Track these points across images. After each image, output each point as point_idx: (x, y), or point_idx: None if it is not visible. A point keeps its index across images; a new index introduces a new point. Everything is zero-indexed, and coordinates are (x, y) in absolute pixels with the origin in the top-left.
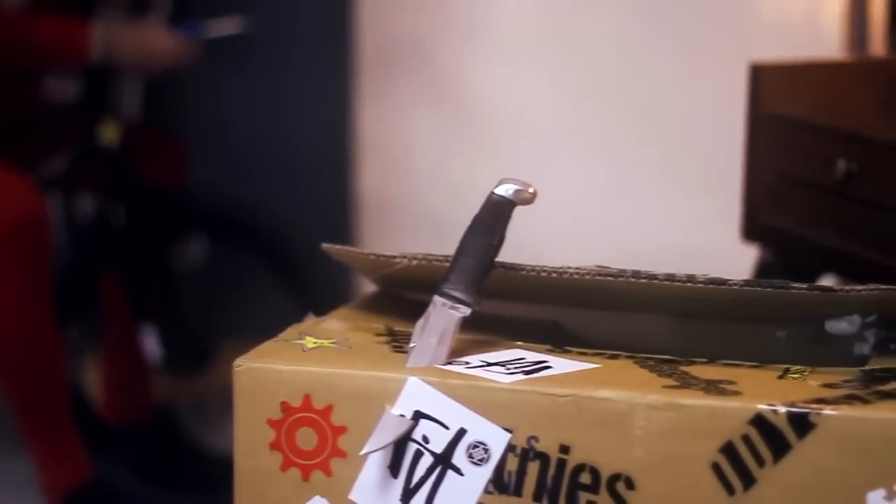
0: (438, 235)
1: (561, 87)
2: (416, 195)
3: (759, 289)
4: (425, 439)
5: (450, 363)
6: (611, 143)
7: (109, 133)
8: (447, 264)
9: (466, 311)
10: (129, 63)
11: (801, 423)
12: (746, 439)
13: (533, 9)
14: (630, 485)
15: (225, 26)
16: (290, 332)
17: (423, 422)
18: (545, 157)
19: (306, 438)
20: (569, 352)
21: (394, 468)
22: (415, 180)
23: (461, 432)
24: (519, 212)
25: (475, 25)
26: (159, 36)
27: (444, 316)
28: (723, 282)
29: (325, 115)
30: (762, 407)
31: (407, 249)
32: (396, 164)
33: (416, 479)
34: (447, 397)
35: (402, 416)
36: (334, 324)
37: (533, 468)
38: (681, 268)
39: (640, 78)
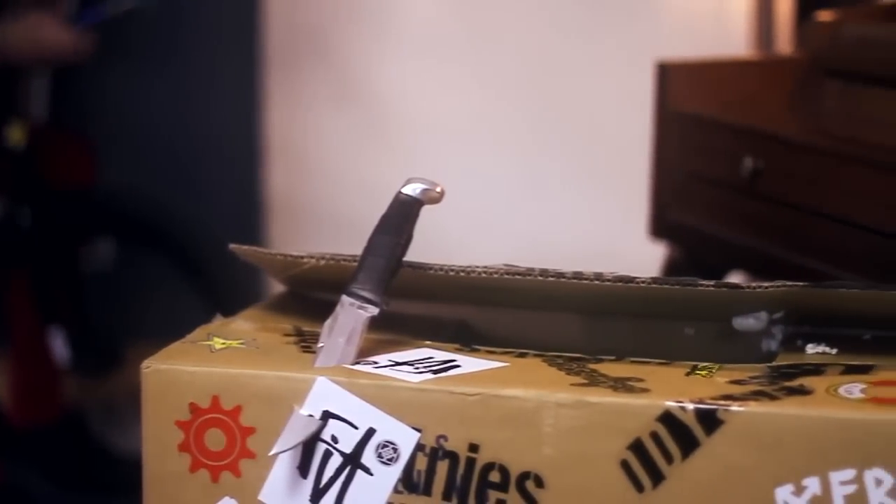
0: (348, 235)
1: (469, 85)
2: (325, 194)
3: (666, 286)
4: (334, 439)
5: (358, 363)
6: (519, 142)
7: (15, 134)
8: (355, 264)
9: (374, 310)
10: (20, 58)
11: (709, 420)
12: (655, 436)
13: (440, 5)
14: (539, 483)
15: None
16: (198, 333)
17: (331, 422)
18: (453, 155)
19: (215, 439)
20: (477, 351)
21: (303, 468)
22: (323, 179)
23: (370, 432)
24: (428, 210)
25: (383, 22)
26: (50, 28)
27: (352, 316)
28: (630, 279)
29: (233, 114)
30: (670, 404)
31: (316, 249)
32: (304, 163)
33: (325, 479)
34: (355, 397)
35: (310, 416)
36: (242, 324)
37: (442, 467)
38: (589, 266)
39: (549, 76)
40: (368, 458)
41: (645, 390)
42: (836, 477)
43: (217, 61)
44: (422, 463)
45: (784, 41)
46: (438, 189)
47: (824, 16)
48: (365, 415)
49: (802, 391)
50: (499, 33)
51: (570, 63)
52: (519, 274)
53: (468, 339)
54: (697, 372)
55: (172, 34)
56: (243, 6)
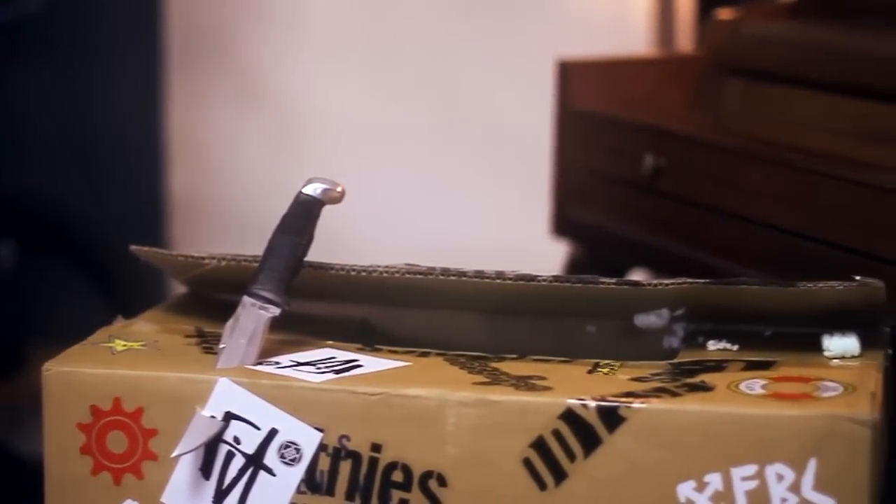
0: (250, 235)
1: (371, 85)
2: (227, 195)
3: (568, 284)
4: (237, 440)
5: (260, 363)
6: (422, 141)
7: None
8: (256, 265)
9: (276, 310)
10: None
11: (611, 417)
12: (557, 434)
13: (343, 5)
14: (442, 482)
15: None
16: (99, 335)
17: (234, 423)
18: (356, 155)
19: (117, 442)
20: (379, 350)
21: (205, 470)
22: (225, 180)
23: (272, 432)
24: (332, 210)
25: (285, 22)
26: None
27: (253, 316)
28: (532, 278)
29: (135, 115)
30: (572, 402)
31: (220, 250)
32: (207, 164)
33: (228, 480)
34: (258, 398)
35: (212, 417)
36: (144, 326)
37: (345, 467)
38: (493, 264)
39: (451, 75)
40: (271, 458)
41: (547, 388)
42: (737, 473)
43: (118, 61)
44: (324, 463)
45: (685, 39)
46: (339, 189)
47: (724, 14)
48: (267, 415)
49: (704, 388)
50: (401, 33)
51: (472, 62)
52: (420, 273)
53: (370, 338)
54: (599, 369)
55: (72, 34)
56: (144, 6)
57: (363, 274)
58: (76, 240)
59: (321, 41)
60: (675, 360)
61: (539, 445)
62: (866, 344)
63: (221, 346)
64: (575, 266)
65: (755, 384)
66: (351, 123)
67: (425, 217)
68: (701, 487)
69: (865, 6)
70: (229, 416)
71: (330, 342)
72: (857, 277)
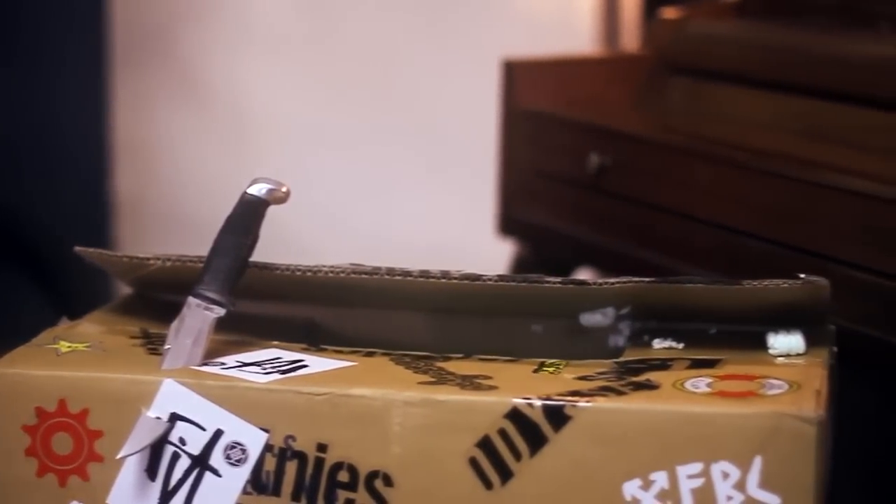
0: (196, 236)
1: (316, 85)
2: (173, 195)
3: (513, 283)
4: (182, 441)
5: (205, 364)
6: (367, 141)
7: None
8: (201, 265)
9: (221, 311)
10: None
11: (557, 416)
12: (503, 433)
13: (288, 5)
14: (388, 482)
15: None
16: (44, 336)
17: (179, 424)
18: (301, 154)
19: (62, 444)
20: (325, 350)
21: (151, 471)
22: (171, 180)
23: (218, 433)
24: (277, 210)
25: (230, 22)
26: None
27: (198, 317)
28: (477, 277)
29: (80, 114)
30: (517, 401)
31: (165, 251)
32: (152, 164)
33: (173, 481)
34: (203, 398)
35: (158, 418)
36: (89, 327)
37: (291, 467)
38: (439, 264)
39: (395, 75)
40: (217, 459)
41: (492, 387)
42: (683, 471)
43: (62, 60)
44: (270, 463)
45: (630, 39)
46: (284, 189)
47: (670, 13)
48: (212, 416)
49: (649, 386)
50: (345, 32)
51: (418, 62)
52: (365, 273)
53: (316, 338)
54: (545, 368)
55: (16, 32)
56: (89, 5)
57: (308, 274)
58: (20, 240)
59: (266, 41)
60: (621, 359)
61: (485, 445)
62: (811, 342)
63: (167, 347)
64: (520, 265)
65: (700, 382)
66: (296, 123)
67: (371, 217)
68: (647, 486)
69: (810, 5)
70: (175, 417)
71: (275, 342)
72: (802, 275)
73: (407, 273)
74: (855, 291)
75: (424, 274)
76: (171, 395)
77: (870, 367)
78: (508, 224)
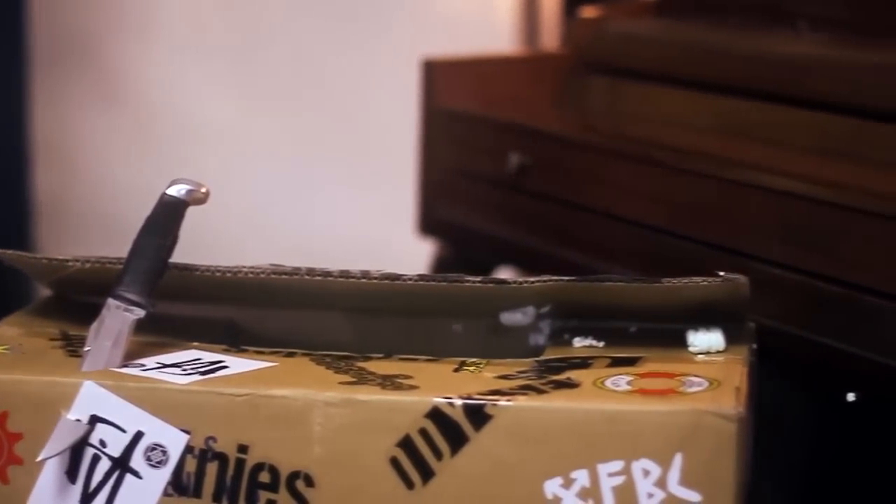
0: (117, 237)
1: (237, 86)
2: (93, 197)
3: (433, 283)
4: (102, 443)
5: (125, 366)
6: (288, 141)
7: None
8: (121, 267)
9: (141, 312)
10: None
11: (478, 415)
12: (424, 433)
13: (207, 6)
14: (309, 482)
15: None
16: None
17: (99, 426)
18: (222, 155)
19: None
20: (245, 351)
21: (71, 474)
22: (91, 182)
23: (138, 435)
24: (196, 211)
25: (150, 23)
26: None
27: (118, 318)
28: (397, 277)
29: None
30: (438, 400)
31: (86, 252)
32: (72, 166)
33: (94, 483)
34: (123, 400)
35: (78, 420)
36: (7, 330)
37: (212, 469)
38: (359, 264)
39: (317, 75)
40: (137, 461)
41: (413, 387)
42: (604, 469)
43: None
44: (191, 465)
45: (550, 38)
46: (203, 190)
47: (589, 12)
48: (133, 418)
49: (570, 384)
50: (265, 33)
51: (337, 62)
52: (285, 273)
53: (236, 339)
54: (465, 368)
55: None
56: (8, 7)
57: (228, 275)
58: None
59: (186, 42)
60: (542, 358)
61: (406, 444)
62: (731, 339)
63: (86, 348)
64: (441, 265)
65: (621, 380)
66: (216, 124)
67: (291, 217)
68: (568, 484)
69: (728, 4)
70: (95, 420)
71: (195, 343)
72: (722, 273)
73: (327, 273)
74: (774, 289)
75: (344, 274)
76: (91, 398)
77: (789, 363)
78: (429, 224)
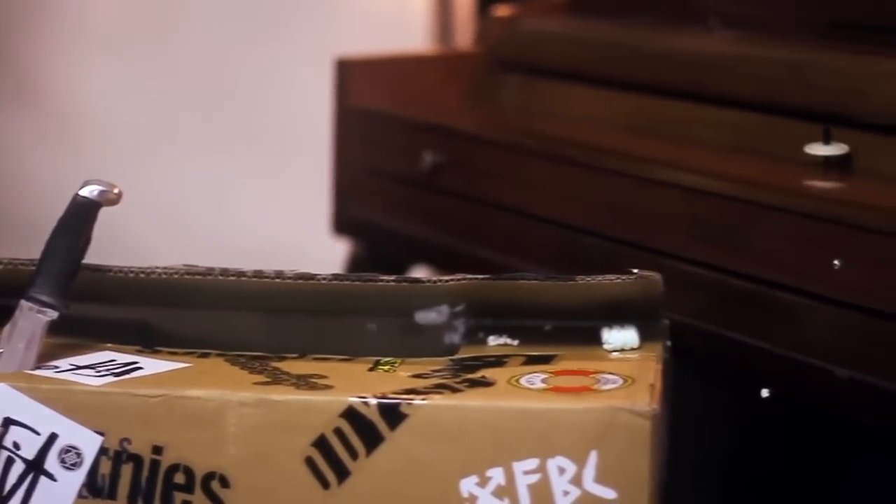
0: (28, 238)
1: (151, 85)
2: (4, 198)
3: (347, 282)
4: (16, 446)
5: (39, 368)
6: (201, 140)
7: None
8: (34, 268)
9: (54, 314)
10: None
11: (392, 414)
12: (339, 432)
13: (121, 5)
14: (225, 483)
15: None
16: None
17: (13, 428)
18: (135, 155)
19: None
20: (159, 352)
21: None
22: (2, 183)
23: (52, 437)
24: (109, 212)
25: (63, 22)
26: None
27: (31, 320)
28: (311, 277)
29: None
30: (353, 400)
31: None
32: None
33: (8, 486)
34: (37, 402)
35: None
36: None
37: (127, 470)
38: (274, 264)
39: (232, 75)
40: (52, 463)
41: (328, 387)
42: (519, 467)
43: None
44: (106, 467)
45: (464, 36)
46: (116, 191)
47: (502, 11)
48: (47, 420)
49: (484, 383)
50: (180, 33)
51: (252, 61)
52: (199, 274)
53: (150, 340)
54: (380, 367)
55: None
56: None
57: (142, 276)
58: None
59: (99, 41)
60: (456, 357)
61: (321, 444)
62: (645, 336)
63: None
64: (356, 264)
65: (535, 378)
66: (129, 124)
67: (205, 217)
68: (483, 482)
69: (639, 3)
70: (8, 422)
71: (109, 345)
72: (635, 271)
73: (241, 273)
74: (687, 285)
75: (258, 274)
76: (4, 400)
77: (703, 360)
78: (343, 223)
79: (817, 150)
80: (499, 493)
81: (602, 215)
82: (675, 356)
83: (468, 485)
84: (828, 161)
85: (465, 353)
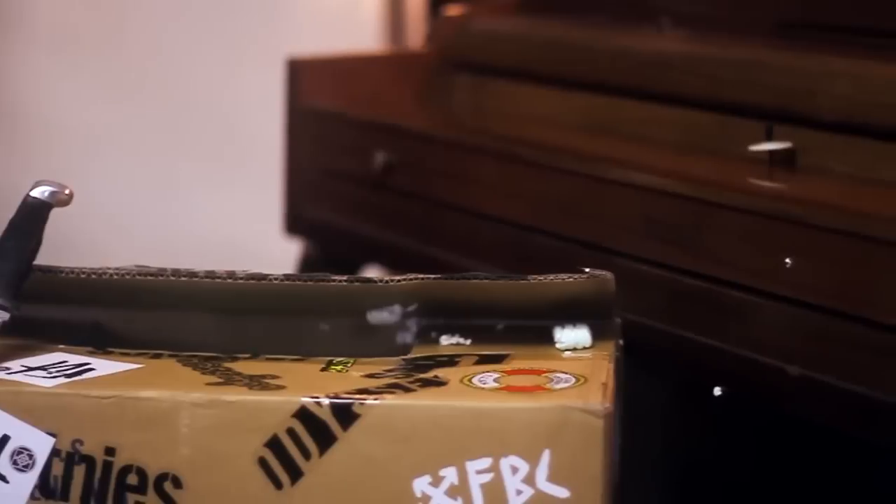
0: None
1: (101, 85)
2: None
3: (299, 283)
4: None
5: None
6: (153, 141)
7: None
8: None
9: (5, 315)
10: None
11: (345, 414)
12: (292, 432)
13: (70, 3)
14: (178, 483)
15: None
16: None
17: None
18: (86, 156)
19: None
20: (111, 353)
21: None
22: None
23: (4, 439)
24: (61, 213)
25: (11, 20)
26: None
27: None
28: (263, 277)
29: None
30: (306, 400)
31: None
32: None
33: None
34: None
35: None
36: None
37: (79, 472)
38: (226, 264)
39: (182, 74)
40: (3, 465)
41: (280, 387)
42: (472, 466)
43: None
44: (58, 468)
45: (416, 36)
46: (67, 191)
47: (453, 10)
48: None
49: (437, 382)
50: (130, 32)
51: (204, 61)
52: (151, 275)
53: (102, 341)
54: (333, 367)
55: None
56: None
57: (93, 276)
58: None
59: (49, 40)
60: (409, 356)
61: (274, 444)
62: (597, 335)
63: None
64: (308, 264)
65: (488, 377)
66: (80, 125)
67: (157, 218)
68: (437, 482)
69: (591, 2)
70: None
71: (61, 346)
72: (587, 270)
73: (193, 274)
74: (640, 284)
75: (210, 274)
76: None
77: (656, 359)
78: (295, 223)
79: (761, 147)
80: (452, 492)
81: (554, 214)
82: (628, 355)
83: (421, 484)
84: (772, 158)
85: (417, 353)
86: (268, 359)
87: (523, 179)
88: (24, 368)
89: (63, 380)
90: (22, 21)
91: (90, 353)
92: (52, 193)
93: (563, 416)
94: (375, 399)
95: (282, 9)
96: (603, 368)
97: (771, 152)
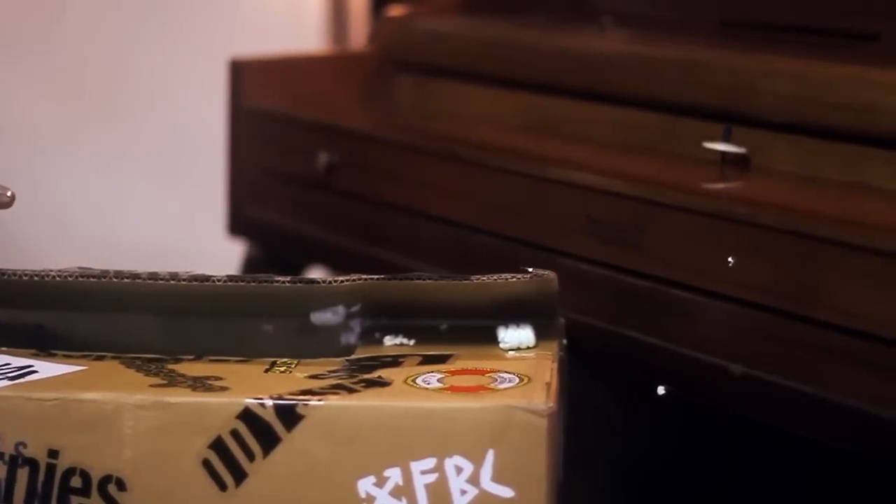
0: None
1: (42, 84)
2: None
3: (242, 284)
4: None
5: None
6: (95, 142)
7: None
8: None
9: None
10: None
11: (289, 415)
12: (235, 434)
13: (7, 2)
14: (121, 486)
15: None
16: None
17: None
18: (27, 157)
19: None
20: (54, 355)
21: None
22: None
23: None
24: (4, 215)
25: None
26: None
27: None
28: (206, 278)
29: None
30: (249, 401)
31: None
32: None
33: None
34: None
35: None
36: None
37: (22, 475)
38: (170, 266)
39: (124, 74)
40: None
41: (224, 388)
42: (416, 466)
43: None
44: (1, 471)
45: (358, 36)
46: (9, 193)
47: (395, 11)
48: None
49: (381, 383)
50: (70, 32)
51: (145, 60)
52: (93, 276)
53: (45, 343)
54: (276, 368)
55: None
56: None
57: (36, 279)
58: None
59: None
60: (353, 357)
61: (218, 446)
62: (541, 335)
63: None
64: (251, 265)
65: (432, 378)
66: (18, 125)
67: (98, 219)
68: (381, 482)
69: (533, 2)
70: None
71: (3, 349)
72: (530, 269)
73: (135, 276)
74: (582, 284)
75: (153, 276)
76: None
77: (599, 358)
78: (239, 224)
79: (716, 147)
80: (396, 493)
81: (496, 214)
82: (572, 354)
83: (366, 485)
84: (725, 158)
85: (361, 354)
86: (211, 360)
87: (466, 179)
88: None
89: (6, 382)
90: None
91: (33, 356)
92: None
93: (507, 415)
94: (319, 400)
95: (224, 8)
96: (547, 368)
97: (723, 153)
